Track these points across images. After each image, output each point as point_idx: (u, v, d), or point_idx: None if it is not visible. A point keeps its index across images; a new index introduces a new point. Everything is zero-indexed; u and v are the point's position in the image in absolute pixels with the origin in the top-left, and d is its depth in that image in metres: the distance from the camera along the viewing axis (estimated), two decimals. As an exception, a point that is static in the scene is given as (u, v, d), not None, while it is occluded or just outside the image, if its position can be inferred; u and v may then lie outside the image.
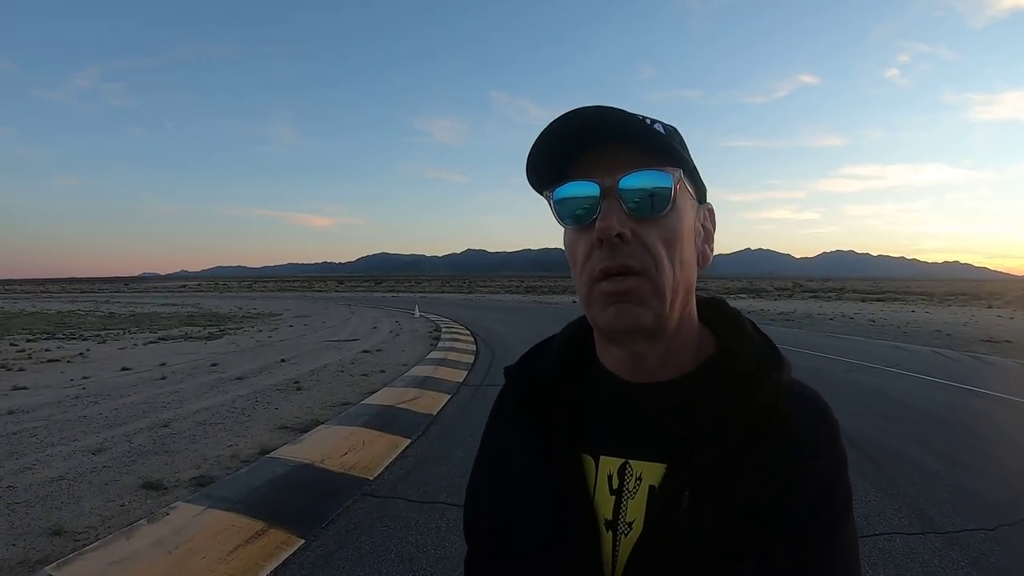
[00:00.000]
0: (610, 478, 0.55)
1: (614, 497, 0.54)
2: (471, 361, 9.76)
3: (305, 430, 5.49)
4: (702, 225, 0.59)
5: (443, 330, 15.31)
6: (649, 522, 0.51)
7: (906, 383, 7.90)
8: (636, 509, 0.53)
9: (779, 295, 46.47)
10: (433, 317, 20.39)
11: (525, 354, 0.67)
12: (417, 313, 21.12)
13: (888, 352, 11.28)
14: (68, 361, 10.31)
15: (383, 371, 8.59)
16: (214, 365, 9.83)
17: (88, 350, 11.96)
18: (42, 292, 71.78)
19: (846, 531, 0.52)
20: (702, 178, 0.59)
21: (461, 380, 7.95)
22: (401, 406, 6.31)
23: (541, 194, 0.57)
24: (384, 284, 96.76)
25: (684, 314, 0.56)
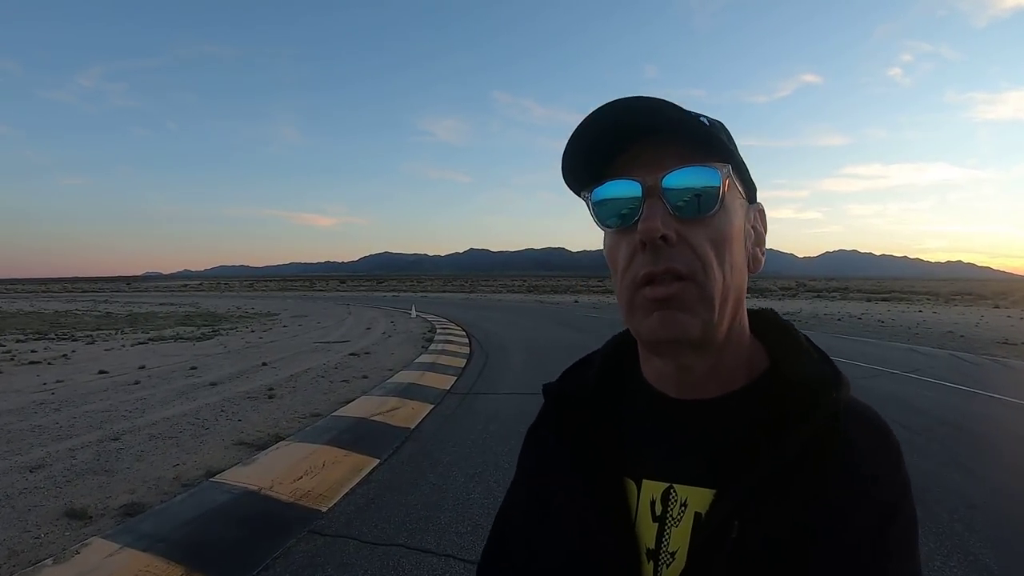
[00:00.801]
0: (653, 504, 0.51)
1: (657, 524, 0.50)
2: (462, 365, 9.15)
3: (264, 447, 4.91)
4: (752, 227, 0.54)
5: (438, 331, 14.72)
6: (694, 552, 0.47)
7: (930, 391, 7.25)
8: (680, 538, 0.49)
9: (783, 295, 45.71)
10: (430, 317, 19.84)
11: (565, 370, 0.64)
12: (414, 313, 20.59)
13: (904, 355, 10.61)
14: (49, 363, 9.92)
15: (365, 376, 8.00)
16: (193, 369, 9.41)
17: (74, 351, 11.63)
18: (43, 292, 71.63)
19: (910, 560, 0.47)
20: (752, 176, 0.54)
21: (448, 387, 7.34)
22: (376, 418, 5.70)
23: (579, 195, 0.52)
24: (386, 284, 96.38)
25: (734, 324, 0.51)
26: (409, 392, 6.86)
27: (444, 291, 57.93)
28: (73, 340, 13.93)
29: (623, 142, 0.49)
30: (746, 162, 0.52)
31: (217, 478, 4.12)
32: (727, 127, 0.52)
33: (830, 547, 0.45)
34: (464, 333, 14.40)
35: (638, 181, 0.47)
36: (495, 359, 9.90)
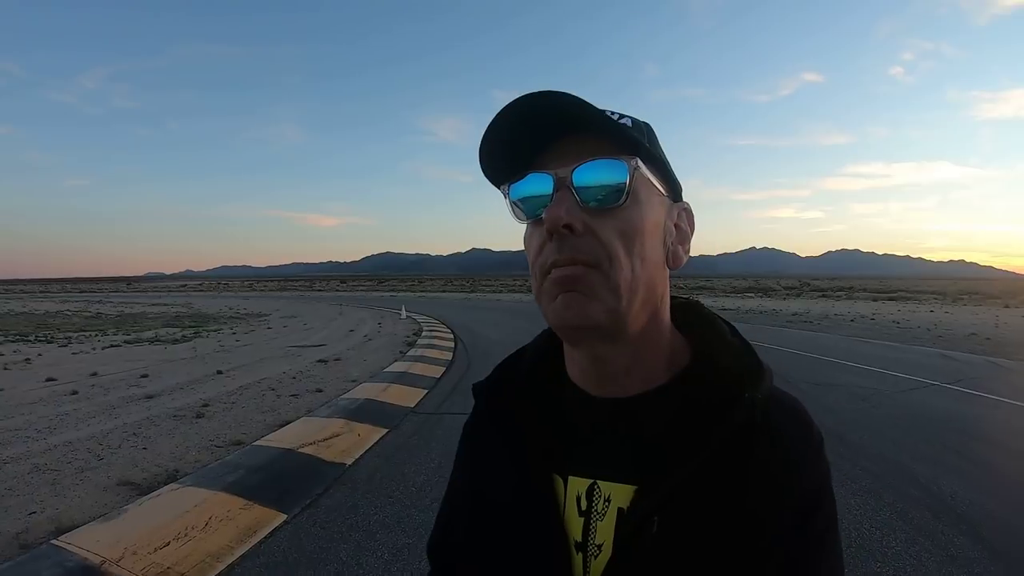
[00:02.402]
0: (578, 499, 0.51)
1: (583, 519, 0.51)
2: (438, 375, 7.89)
3: (149, 490, 3.72)
4: (676, 224, 0.53)
5: (423, 334, 13.45)
6: (618, 546, 0.48)
7: (982, 408, 5.94)
8: (605, 532, 0.49)
9: (787, 294, 44.22)
10: (421, 318, 18.61)
11: (497, 367, 0.63)
12: (404, 314, 19.39)
13: (936, 362, 9.28)
14: (6, 368, 9.17)
15: (320, 390, 6.75)
16: (144, 376, 8.37)
17: (40, 355, 10.95)
18: (41, 292, 70.74)
19: (833, 548, 0.49)
20: (676, 176, 0.54)
21: (414, 404, 6.08)
22: (305, 450, 4.45)
23: (498, 188, 0.52)
24: (386, 284, 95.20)
25: (651, 317, 0.51)
26: (362, 412, 5.59)
27: (444, 291, 56.67)
28: (49, 343, 13.35)
29: (539, 138, 0.48)
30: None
31: (62, 539, 2.95)
32: (653, 129, 0.52)
33: (754, 539, 0.45)
34: (451, 336, 13.13)
35: (551, 174, 0.47)
36: (478, 367, 8.63)
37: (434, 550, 0.63)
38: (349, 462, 4.28)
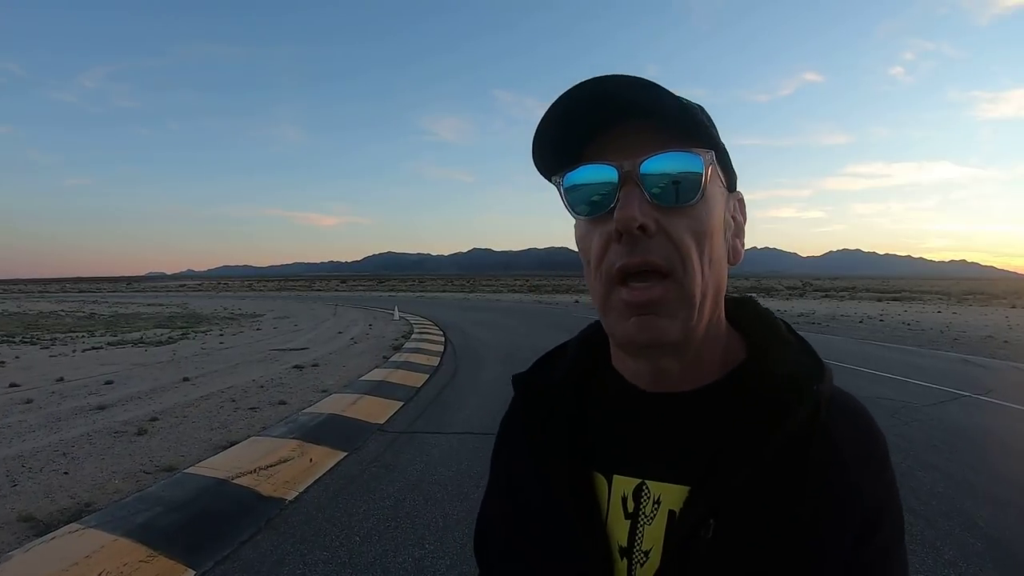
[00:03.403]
0: (624, 500, 0.47)
1: (629, 522, 0.46)
2: (419, 384, 7.17)
3: (50, 528, 3.07)
4: (732, 217, 0.49)
5: (412, 336, 12.73)
6: (668, 552, 0.44)
7: (1032, 427, 5.19)
8: (653, 536, 0.45)
9: (790, 294, 43.32)
10: (414, 319, 17.92)
11: (538, 360, 0.58)
12: (396, 315, 18.69)
13: (960, 369, 8.51)
14: None
15: (283, 402, 6.03)
16: (108, 383, 7.75)
17: (17, 358, 10.56)
18: (39, 292, 70.10)
19: (897, 564, 0.45)
20: (733, 164, 0.48)
21: (384, 420, 5.35)
22: (241, 481, 3.73)
23: (549, 180, 0.47)
24: (386, 284, 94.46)
25: (712, 319, 0.47)
26: (322, 431, 4.88)
27: (444, 291, 55.91)
28: (32, 344, 12.94)
29: (598, 123, 0.44)
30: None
31: None
32: (707, 111, 0.47)
33: (818, 546, 0.42)
34: (441, 339, 12.40)
35: (614, 166, 0.43)
36: (464, 375, 7.91)
37: (479, 551, 0.59)
38: (290, 497, 3.57)
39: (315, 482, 3.81)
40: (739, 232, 0.50)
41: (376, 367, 8.26)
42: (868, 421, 0.48)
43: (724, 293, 0.48)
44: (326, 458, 4.25)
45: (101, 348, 12.47)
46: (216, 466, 4.04)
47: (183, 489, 3.66)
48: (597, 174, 0.43)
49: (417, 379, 7.41)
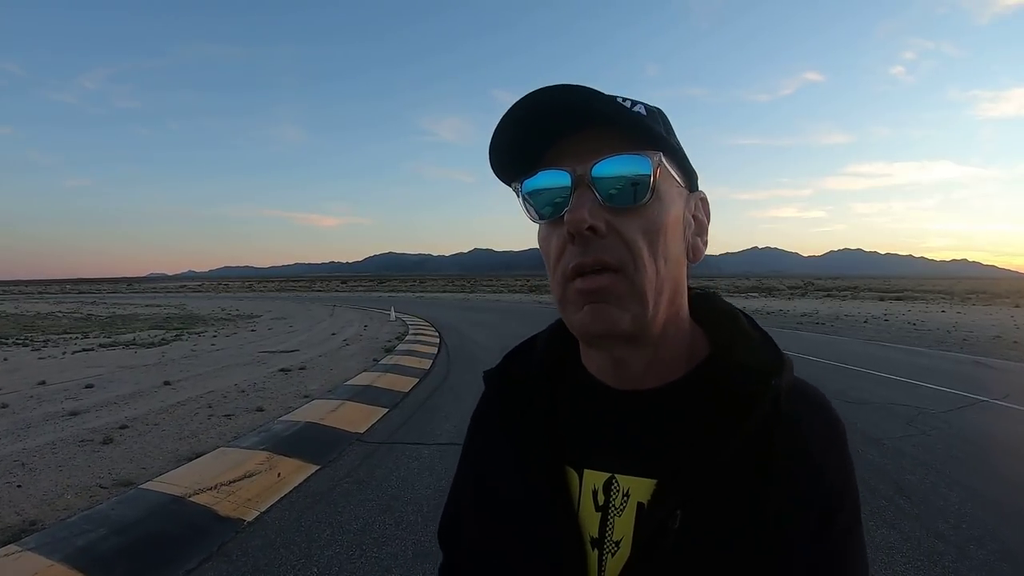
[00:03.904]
0: (595, 493, 0.48)
1: (600, 514, 0.47)
2: (407, 389, 6.82)
3: None
4: (693, 216, 0.50)
5: (406, 338, 12.40)
6: (637, 543, 0.45)
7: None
8: (623, 527, 0.46)
9: (792, 294, 42.87)
10: (411, 320, 17.58)
11: (507, 354, 0.59)
12: (392, 316, 18.37)
13: (973, 371, 8.13)
14: None
15: (261, 409, 5.68)
16: (88, 387, 7.47)
17: (5, 359, 10.41)
18: (38, 293, 69.89)
19: (857, 542, 0.47)
20: (692, 164, 0.50)
21: (364, 429, 5.00)
22: (198, 499, 3.38)
23: (509, 186, 0.49)
24: (387, 284, 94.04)
25: (671, 314, 0.48)
26: (295, 441, 4.52)
27: (444, 291, 55.56)
28: (24, 346, 12.75)
29: (553, 132, 0.45)
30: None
31: None
32: (666, 114, 0.49)
33: (777, 536, 0.43)
34: (435, 340, 12.05)
35: (567, 171, 0.44)
36: (456, 378, 7.55)
37: (444, 540, 0.60)
38: (250, 518, 3.22)
39: (280, 500, 3.46)
40: (701, 230, 0.51)
41: (364, 370, 7.90)
42: (828, 408, 0.49)
43: (684, 289, 0.49)
44: (295, 472, 3.90)
45: (92, 350, 12.25)
46: (175, 481, 3.70)
47: (135, 507, 3.32)
48: (552, 179, 0.45)
49: (406, 383, 7.05)
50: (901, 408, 5.51)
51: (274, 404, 5.91)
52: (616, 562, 0.45)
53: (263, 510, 3.33)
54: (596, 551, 0.46)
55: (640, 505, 0.46)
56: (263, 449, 4.26)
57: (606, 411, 0.49)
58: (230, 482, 3.69)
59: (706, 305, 0.54)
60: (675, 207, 0.46)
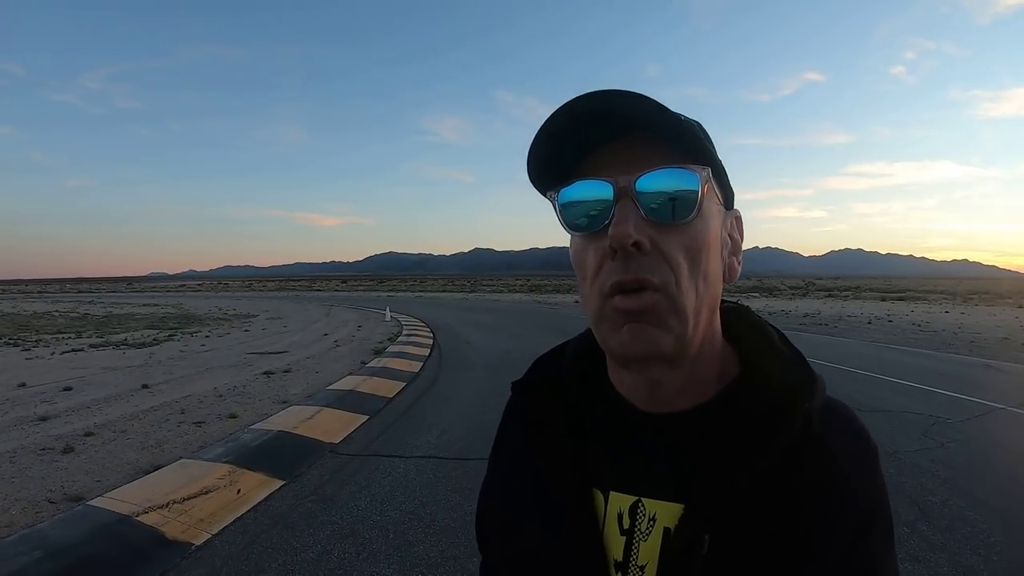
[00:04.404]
0: (620, 517, 0.47)
1: (624, 538, 0.46)
2: (393, 393, 6.48)
3: None
4: (729, 235, 0.49)
5: (399, 339, 12.06)
6: (663, 567, 0.44)
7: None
8: (649, 552, 0.45)
9: (793, 294, 42.43)
10: (407, 320, 17.26)
11: (534, 364, 0.57)
12: (388, 315, 18.05)
13: (985, 376, 7.76)
14: None
15: (234, 416, 5.35)
16: (66, 390, 7.20)
17: None
18: (38, 292, 69.72)
19: (888, 568, 0.46)
20: (730, 181, 0.48)
21: (339, 439, 4.66)
22: (146, 518, 3.05)
23: (545, 195, 0.47)
24: (387, 284, 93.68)
25: (708, 335, 0.46)
26: (263, 453, 4.18)
27: (444, 291, 55.20)
28: (15, 346, 12.61)
29: (594, 138, 0.43)
30: (725, 166, 0.47)
31: None
32: (705, 128, 0.46)
33: (806, 560, 0.42)
34: (429, 342, 11.71)
35: (610, 181, 0.42)
36: (445, 383, 7.21)
37: (481, 541, 0.58)
38: (199, 541, 2.89)
39: (235, 521, 3.13)
40: (736, 250, 0.50)
41: (350, 373, 7.57)
42: (860, 427, 0.48)
43: (719, 309, 0.48)
44: (258, 488, 3.57)
45: (81, 350, 12.02)
46: (126, 497, 3.37)
47: (77, 527, 3.00)
48: (592, 190, 0.43)
49: (391, 388, 6.71)
50: (915, 417, 5.15)
51: (249, 410, 5.58)
52: None
53: (215, 532, 3.00)
54: (620, 575, 0.45)
55: (666, 530, 0.45)
56: (226, 461, 3.93)
57: (634, 433, 0.48)
58: (184, 499, 3.36)
59: (737, 321, 0.52)
60: (715, 225, 0.45)
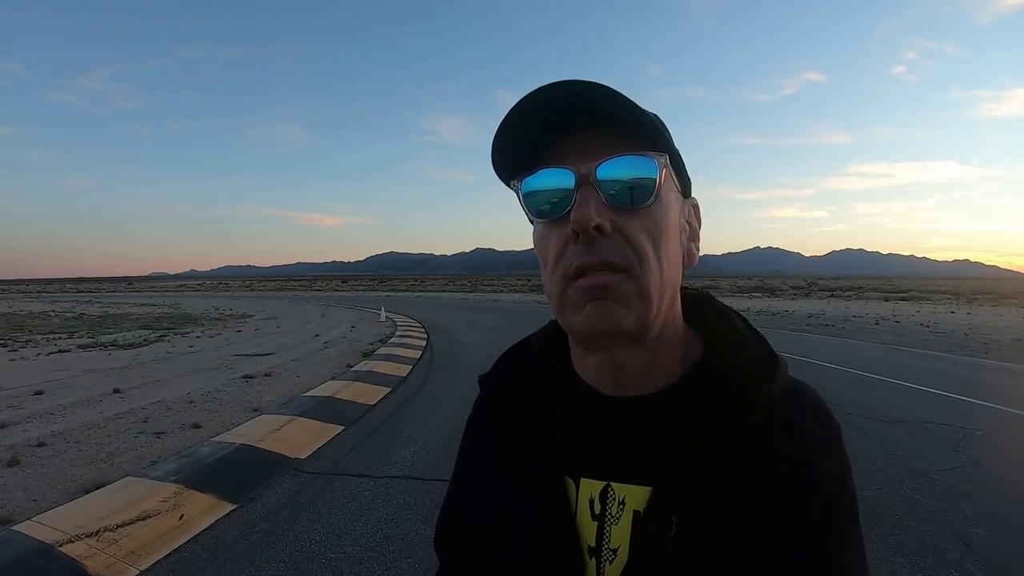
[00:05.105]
0: (591, 502, 0.47)
1: (596, 523, 0.47)
2: (375, 400, 6.03)
3: None
4: (687, 221, 0.50)
5: (390, 340, 11.64)
6: (634, 550, 0.44)
7: None
8: (620, 535, 0.46)
9: (795, 294, 41.86)
10: (403, 321, 16.85)
11: (501, 358, 0.57)
12: (383, 316, 17.65)
13: (1006, 380, 7.29)
14: None
15: (198, 425, 4.91)
16: (38, 394, 6.85)
17: None
18: (37, 292, 69.57)
19: (854, 543, 0.46)
20: (687, 171, 0.50)
21: (306, 454, 4.19)
22: (70, 549, 2.62)
23: (508, 185, 0.47)
24: (387, 284, 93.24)
25: (669, 317, 0.48)
26: (219, 469, 3.74)
27: (444, 291, 54.74)
28: (3, 346, 12.46)
29: (562, 125, 0.44)
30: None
31: None
32: (663, 120, 0.47)
33: (774, 537, 0.43)
34: (421, 343, 11.28)
35: (571, 170, 0.43)
36: (432, 388, 6.76)
37: (440, 547, 0.59)
38: (144, 567, 2.45)
39: (170, 554, 2.69)
40: (694, 236, 0.51)
41: (333, 378, 7.13)
42: (822, 408, 0.49)
43: (679, 294, 0.49)
44: (204, 514, 3.13)
45: (68, 351, 11.70)
46: (56, 521, 2.94)
47: (7, 552, 2.57)
48: (555, 178, 0.43)
49: (373, 394, 6.26)
50: (942, 428, 4.69)
51: (216, 419, 5.14)
52: (614, 570, 0.44)
53: (144, 568, 2.57)
54: (594, 560, 0.45)
55: (636, 513, 0.45)
56: (175, 480, 3.49)
57: (601, 419, 0.48)
58: (118, 526, 2.93)
59: (699, 306, 0.53)
60: (674, 211, 0.46)
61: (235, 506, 3.23)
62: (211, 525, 3.00)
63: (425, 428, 4.84)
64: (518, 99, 0.42)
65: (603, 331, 0.42)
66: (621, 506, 0.45)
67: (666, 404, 0.47)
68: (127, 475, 3.70)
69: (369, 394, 6.20)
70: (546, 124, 0.43)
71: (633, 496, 0.45)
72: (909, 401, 5.73)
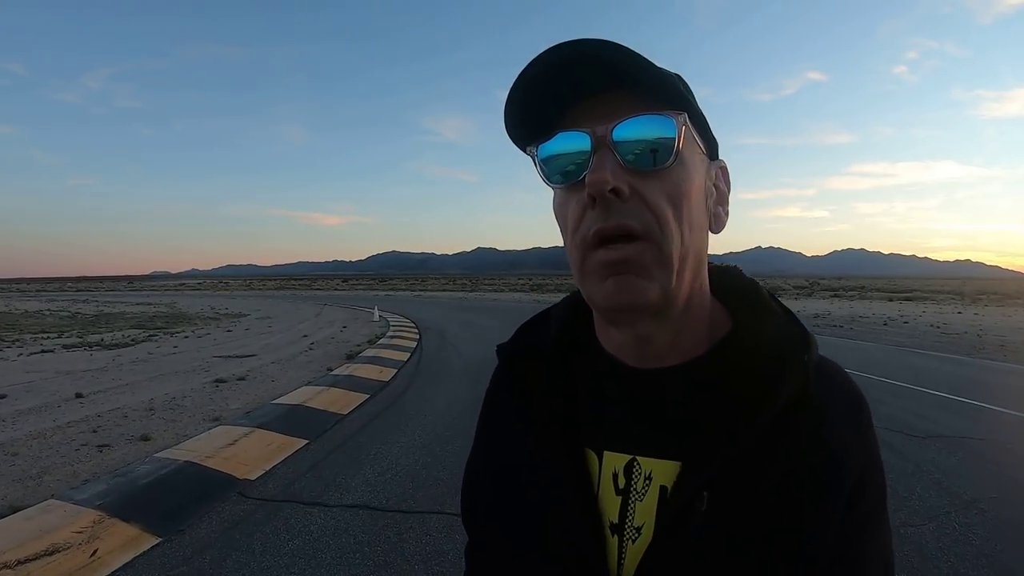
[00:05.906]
0: (615, 477, 0.46)
1: (620, 498, 0.45)
2: (349, 409, 5.52)
3: None
4: (715, 184, 0.48)
5: (380, 341, 11.17)
6: (661, 528, 0.43)
7: None
8: (645, 512, 0.44)
9: (798, 294, 41.27)
10: (397, 320, 16.40)
11: (521, 328, 0.56)
12: (376, 315, 17.24)
13: (1029, 385, 6.77)
14: None
15: (147, 438, 4.42)
16: (2, 398, 6.41)
17: None
18: (36, 291, 69.52)
19: (881, 528, 0.45)
20: (713, 131, 0.47)
21: (257, 474, 3.68)
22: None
23: (524, 151, 0.46)
24: (388, 283, 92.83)
25: (695, 287, 0.46)
26: (153, 493, 3.25)
27: (444, 290, 54.24)
28: None
29: (570, 92, 0.42)
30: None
31: None
32: (685, 81, 0.45)
33: (802, 517, 0.42)
34: (411, 345, 10.79)
35: (587, 132, 0.42)
36: (416, 394, 6.27)
37: (468, 522, 0.56)
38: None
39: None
40: (722, 200, 0.48)
41: (308, 383, 6.64)
42: (851, 385, 0.47)
43: (706, 261, 0.47)
44: (123, 548, 2.65)
45: (52, 351, 11.34)
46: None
47: None
48: (571, 142, 0.42)
49: (349, 402, 5.77)
50: (978, 444, 4.18)
51: (170, 430, 4.66)
52: (637, 548, 0.43)
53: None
54: (616, 537, 0.44)
55: (663, 488, 0.44)
56: (99, 506, 3.01)
57: (626, 391, 0.47)
58: (19, 562, 2.46)
59: (727, 279, 0.51)
60: (698, 174, 0.44)
61: (159, 539, 2.75)
62: (125, 564, 2.52)
63: (398, 444, 4.34)
64: (531, 58, 0.41)
65: (626, 305, 0.41)
66: (648, 481, 0.44)
67: (693, 378, 0.45)
68: (51, 497, 3.23)
69: (344, 402, 5.70)
70: (559, 86, 0.41)
71: (660, 470, 0.44)
72: (939, 412, 5.22)
